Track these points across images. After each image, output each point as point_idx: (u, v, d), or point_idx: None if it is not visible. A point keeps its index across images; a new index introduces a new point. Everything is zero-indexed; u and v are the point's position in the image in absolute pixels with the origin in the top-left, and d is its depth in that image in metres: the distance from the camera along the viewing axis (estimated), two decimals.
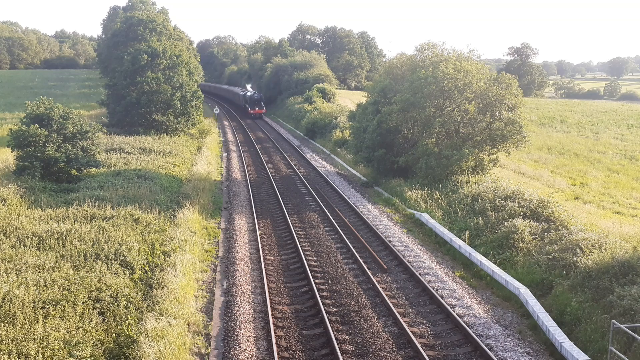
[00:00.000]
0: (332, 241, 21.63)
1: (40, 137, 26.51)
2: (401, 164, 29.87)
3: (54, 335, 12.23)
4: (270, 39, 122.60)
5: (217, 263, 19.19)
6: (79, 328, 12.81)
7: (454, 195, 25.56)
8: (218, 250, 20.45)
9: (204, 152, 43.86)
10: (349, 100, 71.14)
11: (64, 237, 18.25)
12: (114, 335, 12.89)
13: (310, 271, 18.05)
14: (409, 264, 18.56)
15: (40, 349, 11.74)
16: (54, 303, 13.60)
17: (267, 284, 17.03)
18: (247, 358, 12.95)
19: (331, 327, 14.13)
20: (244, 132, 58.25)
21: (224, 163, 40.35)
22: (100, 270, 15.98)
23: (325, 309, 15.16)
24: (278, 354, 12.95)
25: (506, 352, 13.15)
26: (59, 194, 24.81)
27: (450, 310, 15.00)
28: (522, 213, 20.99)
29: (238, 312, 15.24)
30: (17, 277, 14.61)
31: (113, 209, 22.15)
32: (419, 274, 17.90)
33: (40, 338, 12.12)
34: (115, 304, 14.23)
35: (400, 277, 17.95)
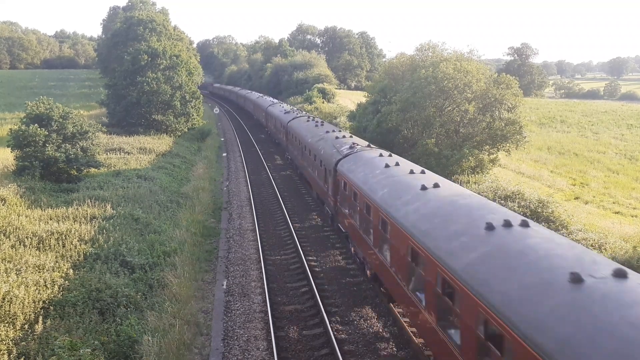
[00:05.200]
0: (332, 241, 21.62)
1: (40, 137, 26.52)
2: None
3: (54, 335, 12.23)
4: (270, 39, 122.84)
5: (217, 263, 19.19)
6: (79, 328, 12.81)
7: None
8: (218, 250, 20.45)
9: (203, 152, 43.88)
10: (349, 100, 71.17)
11: (64, 237, 18.25)
12: (114, 335, 12.89)
13: (310, 271, 18.04)
14: None
15: (40, 349, 11.74)
16: (54, 303, 13.61)
17: (267, 284, 17.03)
18: (247, 358, 12.96)
19: (331, 327, 14.12)
20: (244, 133, 58.25)
21: (224, 163, 40.35)
22: (100, 270, 15.99)
23: (325, 309, 15.16)
24: (278, 354, 12.95)
25: None
26: (59, 194, 24.81)
27: None
28: (522, 213, 20.99)
29: (238, 312, 15.24)
30: (17, 277, 14.61)
31: (113, 209, 22.15)
32: None
33: (40, 338, 12.13)
34: (115, 304, 14.23)
35: None
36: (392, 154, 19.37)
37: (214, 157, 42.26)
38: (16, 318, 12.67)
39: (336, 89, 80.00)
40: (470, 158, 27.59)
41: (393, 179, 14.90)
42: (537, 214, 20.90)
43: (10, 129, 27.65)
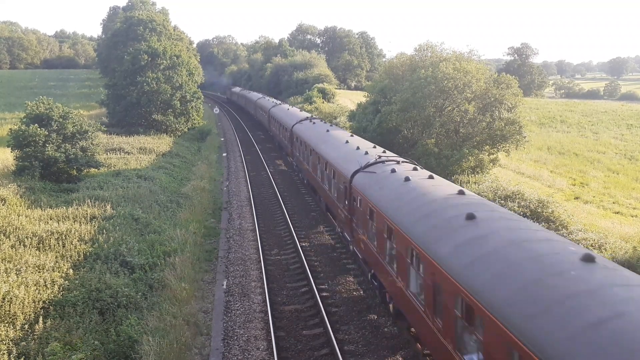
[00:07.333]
0: (332, 241, 21.62)
1: (40, 137, 26.52)
2: None
3: (54, 335, 12.23)
4: (270, 39, 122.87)
5: (217, 263, 19.19)
6: (79, 328, 12.81)
7: None
8: (218, 250, 20.45)
9: (203, 152, 43.88)
10: (349, 100, 71.16)
11: (64, 237, 18.25)
12: (114, 335, 12.89)
13: (311, 271, 18.04)
14: None
15: (40, 349, 11.74)
16: (54, 303, 13.61)
17: (267, 284, 17.03)
18: (247, 358, 12.95)
19: (331, 327, 14.12)
20: (244, 132, 58.25)
21: (224, 163, 40.34)
22: (100, 270, 15.98)
23: (325, 309, 15.15)
24: (278, 354, 12.95)
25: None
26: (59, 194, 24.81)
27: None
28: (522, 213, 20.99)
29: (238, 312, 15.24)
30: (17, 277, 14.61)
31: (113, 209, 22.15)
32: None
33: (40, 338, 12.13)
34: (115, 304, 14.23)
35: None
36: (419, 168, 16.43)
37: (214, 157, 42.26)
38: (16, 318, 12.67)
39: (336, 89, 79.92)
40: (470, 158, 27.59)
41: (430, 205, 12.33)
42: (537, 214, 20.90)
43: (10, 129, 27.66)
